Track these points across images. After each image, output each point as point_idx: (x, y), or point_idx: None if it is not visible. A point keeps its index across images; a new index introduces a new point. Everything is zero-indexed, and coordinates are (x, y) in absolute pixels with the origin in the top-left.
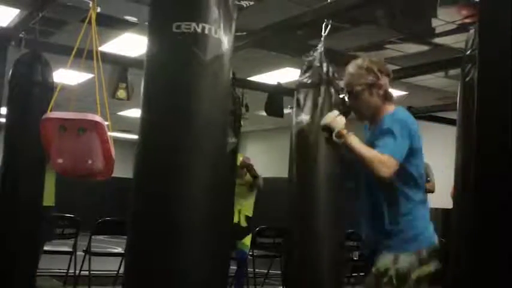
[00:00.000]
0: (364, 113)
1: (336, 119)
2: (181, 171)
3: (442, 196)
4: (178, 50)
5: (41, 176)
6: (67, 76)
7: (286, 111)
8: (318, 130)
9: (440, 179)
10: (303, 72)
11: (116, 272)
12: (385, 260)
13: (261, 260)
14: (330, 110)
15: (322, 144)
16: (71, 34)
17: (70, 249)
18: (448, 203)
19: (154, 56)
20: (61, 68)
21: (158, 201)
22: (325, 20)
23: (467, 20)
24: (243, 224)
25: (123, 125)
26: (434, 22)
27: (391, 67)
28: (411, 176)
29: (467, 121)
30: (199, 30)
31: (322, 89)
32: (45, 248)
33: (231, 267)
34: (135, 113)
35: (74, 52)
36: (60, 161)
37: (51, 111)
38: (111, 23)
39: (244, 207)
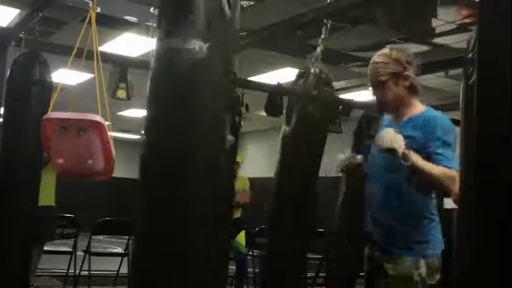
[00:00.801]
0: (388, 103)
1: (396, 137)
2: (188, 173)
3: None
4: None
5: (39, 175)
6: (67, 76)
7: None
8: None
9: None
10: (295, 81)
11: (116, 272)
12: (407, 263)
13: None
14: (314, 121)
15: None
16: (71, 34)
17: (70, 249)
18: (448, 203)
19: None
20: (61, 68)
21: (166, 202)
22: (325, 20)
23: (467, 20)
24: (236, 214)
25: (123, 125)
26: (434, 22)
27: None
28: None
29: (469, 124)
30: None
31: (310, 100)
32: (45, 248)
33: (230, 267)
34: (135, 113)
35: (74, 52)
36: (60, 161)
37: (51, 111)
38: (111, 23)
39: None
